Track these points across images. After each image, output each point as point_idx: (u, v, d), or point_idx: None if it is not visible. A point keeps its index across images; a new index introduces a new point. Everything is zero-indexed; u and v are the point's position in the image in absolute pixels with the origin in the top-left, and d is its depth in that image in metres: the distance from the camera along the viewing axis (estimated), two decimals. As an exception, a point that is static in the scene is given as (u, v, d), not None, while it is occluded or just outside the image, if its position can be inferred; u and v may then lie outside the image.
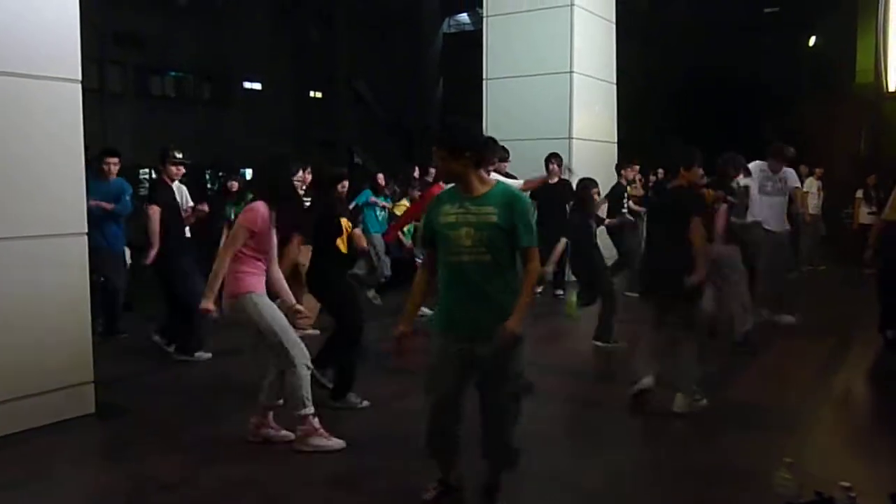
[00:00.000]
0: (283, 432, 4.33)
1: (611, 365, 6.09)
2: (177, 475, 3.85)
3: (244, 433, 4.35)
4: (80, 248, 4.76)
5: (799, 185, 7.64)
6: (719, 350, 6.17)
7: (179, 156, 6.21)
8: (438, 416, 3.23)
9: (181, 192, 6.63)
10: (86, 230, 4.79)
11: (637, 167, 10.65)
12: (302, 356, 4.16)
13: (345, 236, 5.10)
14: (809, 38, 21.82)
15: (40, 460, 4.08)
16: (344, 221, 5.12)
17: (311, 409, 4.18)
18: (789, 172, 7.26)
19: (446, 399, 3.20)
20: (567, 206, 8.30)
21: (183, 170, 6.27)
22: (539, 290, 8.64)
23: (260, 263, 4.21)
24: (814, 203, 12.12)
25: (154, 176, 6.92)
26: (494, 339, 3.02)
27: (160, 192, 6.19)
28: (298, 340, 4.21)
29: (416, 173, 9.98)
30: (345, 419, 4.73)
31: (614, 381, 5.07)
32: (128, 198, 6.87)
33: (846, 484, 3.03)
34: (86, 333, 4.79)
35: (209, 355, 6.17)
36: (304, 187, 7.13)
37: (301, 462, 4.08)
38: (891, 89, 8.40)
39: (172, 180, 6.26)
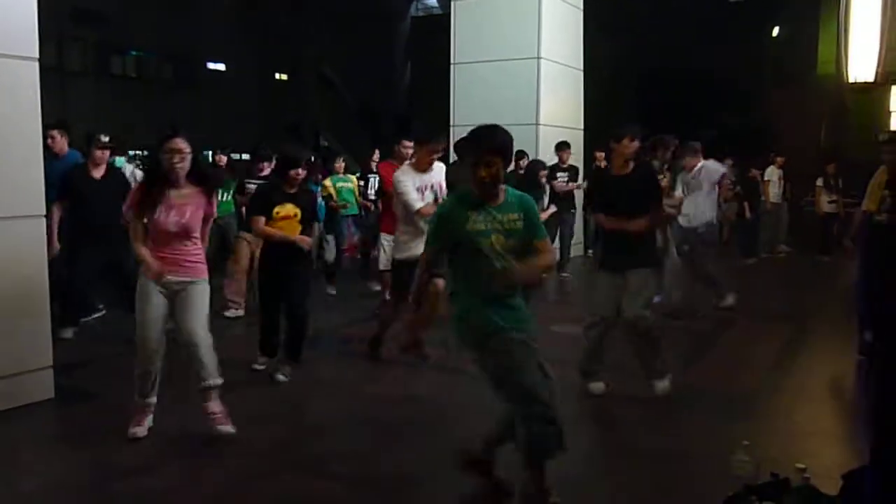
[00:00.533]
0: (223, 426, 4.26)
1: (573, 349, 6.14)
2: (139, 461, 3.81)
3: (208, 416, 4.32)
4: (38, 231, 4.65)
5: (724, 170, 7.81)
6: (678, 334, 6.29)
7: (105, 138, 6.05)
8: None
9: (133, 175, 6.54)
10: (43, 212, 4.68)
11: (603, 154, 10.72)
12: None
13: (286, 223, 5.03)
14: (773, 28, 22.12)
15: (0, 445, 4.00)
16: (285, 208, 5.04)
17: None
18: (708, 165, 7.40)
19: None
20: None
21: (108, 154, 6.12)
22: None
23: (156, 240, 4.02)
24: (775, 192, 12.34)
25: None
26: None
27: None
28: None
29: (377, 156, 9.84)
30: (311, 404, 4.72)
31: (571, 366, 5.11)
32: None
33: (801, 465, 3.11)
34: (44, 317, 4.70)
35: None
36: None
37: (268, 448, 4.06)
38: (851, 80, 8.57)
39: (97, 165, 6.06)
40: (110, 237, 5.85)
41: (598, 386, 4.88)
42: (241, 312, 7.04)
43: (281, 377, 5.10)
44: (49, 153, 6.08)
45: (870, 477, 2.69)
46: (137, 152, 19.58)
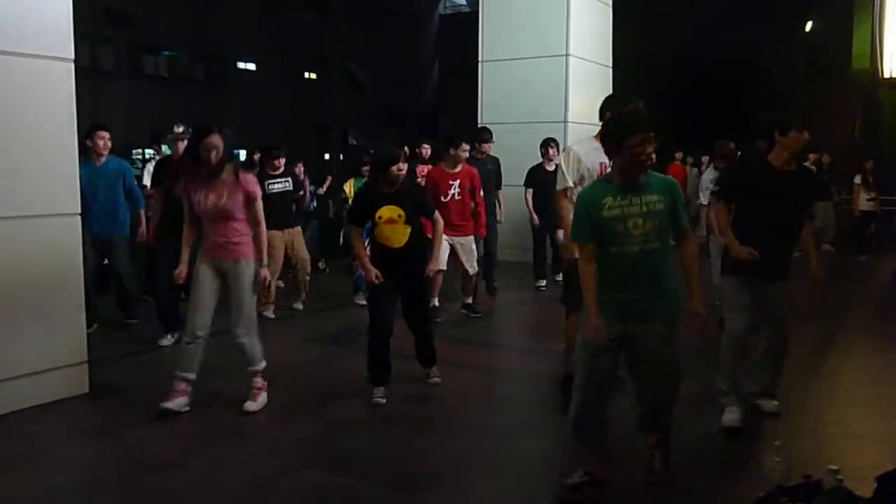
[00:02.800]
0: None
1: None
2: (168, 456, 3.87)
3: (235, 413, 4.40)
4: (73, 228, 4.74)
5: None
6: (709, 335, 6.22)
7: (179, 129, 6.07)
8: (593, 400, 3.30)
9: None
10: (79, 210, 4.76)
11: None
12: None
13: (390, 227, 4.61)
14: (806, 23, 21.77)
15: (35, 440, 4.08)
16: (386, 210, 4.60)
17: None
18: None
19: (604, 383, 3.28)
20: None
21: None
22: (543, 284, 8.63)
23: (206, 226, 4.48)
24: (807, 189, 12.15)
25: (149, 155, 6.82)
26: (668, 322, 3.24)
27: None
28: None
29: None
30: (334, 401, 4.75)
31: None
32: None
33: (834, 467, 3.06)
34: (79, 313, 4.78)
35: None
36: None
37: (292, 443, 4.10)
38: (886, 75, 8.40)
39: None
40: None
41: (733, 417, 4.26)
42: (273, 312, 7.06)
43: (436, 379, 5.02)
44: (90, 155, 6.13)
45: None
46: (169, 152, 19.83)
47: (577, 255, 3.50)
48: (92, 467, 3.90)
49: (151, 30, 22.67)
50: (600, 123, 4.46)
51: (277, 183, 7.02)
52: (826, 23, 20.67)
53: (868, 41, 15.32)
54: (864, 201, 11.74)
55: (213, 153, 4.29)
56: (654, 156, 3.18)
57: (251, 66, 26.94)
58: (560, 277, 8.57)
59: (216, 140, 4.30)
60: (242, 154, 15.54)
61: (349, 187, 7.59)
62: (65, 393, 4.64)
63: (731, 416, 4.23)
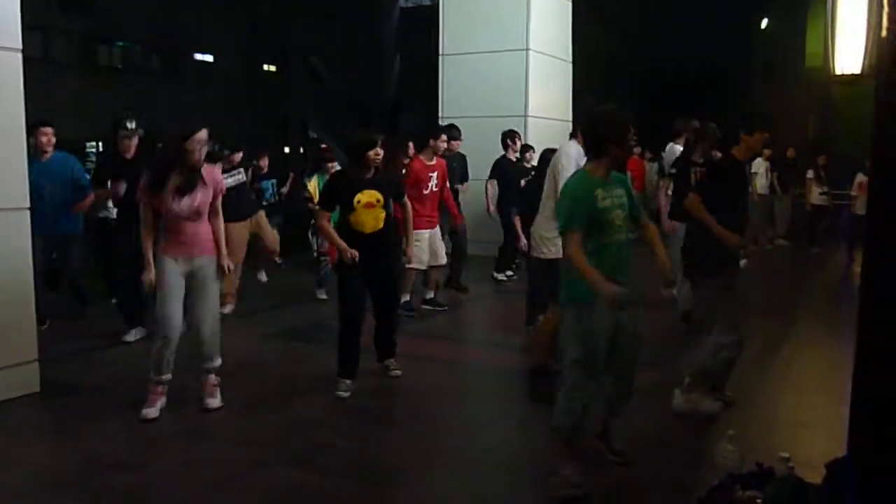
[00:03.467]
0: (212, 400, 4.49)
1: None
2: (125, 455, 3.80)
3: (194, 410, 4.33)
4: (22, 223, 4.61)
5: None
6: (664, 326, 6.32)
7: (131, 126, 6.04)
8: (591, 381, 3.38)
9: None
10: (28, 205, 4.64)
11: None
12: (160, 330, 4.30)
13: (368, 212, 4.61)
14: (761, 20, 22.17)
15: (-18, 440, 3.98)
16: (365, 195, 4.61)
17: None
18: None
19: (601, 364, 3.38)
20: (522, 182, 8.37)
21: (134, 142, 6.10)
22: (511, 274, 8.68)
23: (174, 227, 4.30)
24: (762, 183, 12.39)
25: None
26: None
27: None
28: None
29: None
30: (297, 396, 4.71)
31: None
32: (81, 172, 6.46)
33: (785, 455, 3.12)
34: (29, 310, 4.66)
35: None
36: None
37: (254, 440, 4.06)
38: (838, 72, 8.61)
39: (125, 154, 6.09)
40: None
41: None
42: (231, 309, 6.96)
43: (396, 371, 5.03)
44: (35, 152, 5.86)
45: (847, 464, 2.71)
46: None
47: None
48: (45, 467, 3.80)
49: (106, 20, 22.18)
50: (568, 120, 4.81)
51: (231, 177, 6.93)
52: (781, 21, 21.07)
53: (821, 39, 15.64)
54: (816, 195, 12.01)
55: (200, 151, 4.21)
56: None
57: (209, 58, 26.53)
58: (504, 276, 8.69)
59: (205, 135, 4.21)
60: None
61: (313, 186, 7.46)
62: (14, 392, 4.52)
63: (711, 405, 4.36)
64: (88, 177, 6.58)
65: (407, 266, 6.08)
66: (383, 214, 4.71)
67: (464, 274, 8.07)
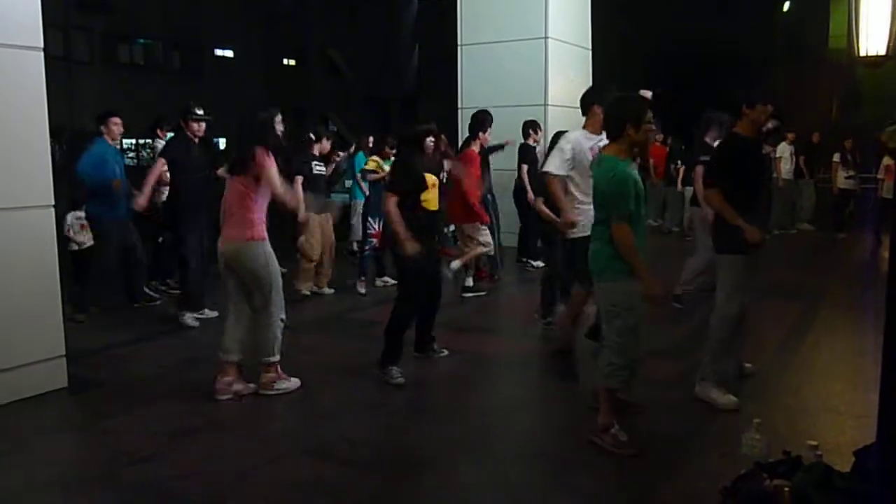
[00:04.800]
0: (251, 384, 4.59)
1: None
2: (150, 448, 3.84)
3: (219, 403, 4.36)
4: (47, 221, 4.66)
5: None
6: (689, 313, 6.26)
7: (201, 112, 6.24)
8: (637, 348, 3.72)
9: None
10: (52, 202, 4.69)
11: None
12: (282, 308, 4.55)
13: (433, 192, 4.95)
14: (784, 2, 21.83)
15: (14, 436, 4.03)
16: (430, 177, 4.95)
17: (278, 358, 4.57)
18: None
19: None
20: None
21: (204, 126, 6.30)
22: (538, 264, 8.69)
23: (264, 209, 4.48)
24: (787, 168, 12.24)
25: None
26: None
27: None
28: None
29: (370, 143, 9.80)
30: (320, 388, 4.74)
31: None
32: None
33: (813, 443, 3.09)
34: (56, 307, 4.72)
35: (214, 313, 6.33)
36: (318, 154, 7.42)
37: (276, 431, 4.10)
38: (862, 53, 8.45)
39: (196, 137, 6.28)
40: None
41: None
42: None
43: (444, 352, 5.34)
44: (111, 137, 6.60)
45: (876, 452, 2.67)
46: (147, 140, 19.57)
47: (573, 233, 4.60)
48: (72, 462, 3.86)
49: (126, 18, 22.35)
50: (582, 109, 5.09)
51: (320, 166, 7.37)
52: (803, 2, 20.75)
53: (845, 20, 15.40)
54: (842, 179, 11.83)
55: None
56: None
57: (229, 54, 26.66)
58: (540, 263, 8.67)
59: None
60: (222, 143, 15.41)
61: (376, 164, 7.81)
62: (43, 388, 4.58)
63: (728, 399, 4.26)
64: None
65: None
66: (437, 195, 5.06)
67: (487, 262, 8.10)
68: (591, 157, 4.72)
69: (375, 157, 7.93)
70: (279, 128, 4.50)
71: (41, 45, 4.56)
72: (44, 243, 4.65)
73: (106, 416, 4.34)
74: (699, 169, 6.23)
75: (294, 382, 4.63)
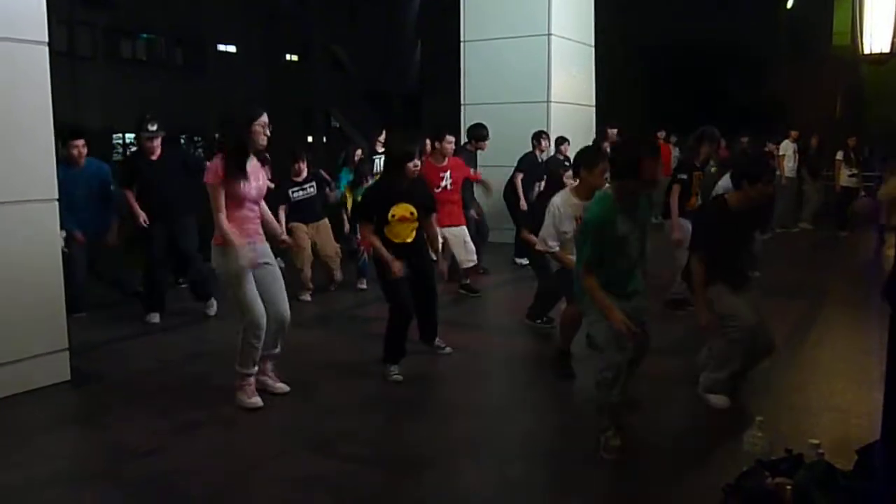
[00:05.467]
0: (279, 384, 4.51)
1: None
2: (152, 443, 3.84)
3: (221, 398, 4.36)
4: (51, 214, 4.67)
5: None
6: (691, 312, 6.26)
7: (152, 128, 6.12)
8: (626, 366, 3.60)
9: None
10: (56, 196, 4.70)
11: (615, 130, 10.67)
12: (254, 321, 4.16)
13: (402, 225, 4.71)
14: (787, 0, 21.78)
15: (16, 429, 4.04)
16: (400, 208, 4.70)
17: (248, 371, 4.27)
18: None
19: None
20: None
21: (157, 143, 6.18)
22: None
23: (240, 213, 4.16)
24: (790, 166, 12.21)
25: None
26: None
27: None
28: (258, 303, 4.20)
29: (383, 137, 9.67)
30: (320, 385, 4.74)
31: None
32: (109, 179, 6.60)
33: (815, 441, 3.09)
34: (59, 299, 4.73)
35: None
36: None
37: (277, 428, 4.09)
38: (866, 51, 8.42)
39: (151, 155, 6.19)
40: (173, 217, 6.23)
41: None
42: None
43: (448, 349, 5.27)
44: (68, 161, 6.09)
45: (880, 450, 2.67)
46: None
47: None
48: (74, 456, 3.87)
49: (129, 13, 22.34)
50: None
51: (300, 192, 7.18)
52: (807, 0, 20.69)
53: (848, 18, 15.36)
54: (845, 177, 11.80)
55: (267, 132, 4.18)
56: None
57: (231, 49, 26.65)
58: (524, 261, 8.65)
59: (266, 119, 4.18)
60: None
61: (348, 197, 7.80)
62: (45, 381, 4.59)
63: (719, 399, 4.25)
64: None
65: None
66: (415, 226, 4.82)
67: (486, 259, 8.09)
68: (574, 227, 4.62)
69: None
70: (263, 132, 4.15)
71: (46, 39, 4.56)
72: (47, 237, 4.66)
73: (108, 411, 4.34)
74: (675, 187, 6.37)
75: (253, 402, 4.25)
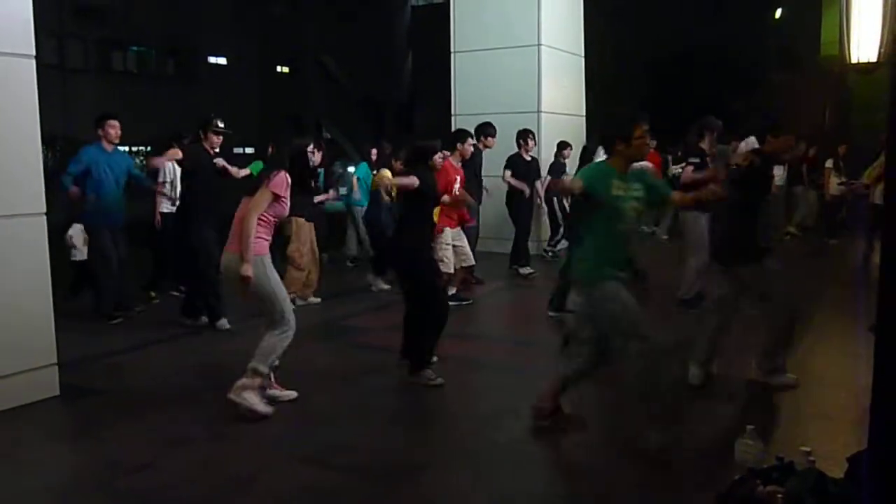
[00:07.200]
0: (287, 392, 4.57)
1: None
2: (144, 457, 3.82)
3: (214, 412, 4.34)
4: (39, 229, 4.64)
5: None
6: (682, 319, 6.27)
7: (222, 125, 6.27)
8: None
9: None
10: (44, 210, 4.67)
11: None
12: (293, 324, 4.38)
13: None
14: (776, 10, 21.95)
15: (4, 445, 4.01)
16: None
17: (267, 371, 4.37)
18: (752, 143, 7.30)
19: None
20: (537, 182, 8.62)
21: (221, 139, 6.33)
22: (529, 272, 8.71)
23: (268, 227, 4.35)
24: (779, 174, 12.24)
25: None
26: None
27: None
28: (291, 308, 4.47)
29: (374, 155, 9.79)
30: (315, 395, 4.72)
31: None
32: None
33: (806, 448, 3.10)
34: (48, 315, 4.70)
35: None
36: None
37: (272, 440, 4.07)
38: (853, 60, 8.48)
39: (213, 149, 6.27)
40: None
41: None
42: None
43: (435, 358, 5.24)
44: (105, 140, 6.55)
45: (866, 459, 2.67)
46: (141, 148, 19.57)
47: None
48: (63, 472, 3.84)
49: (120, 25, 22.35)
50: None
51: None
52: (796, 10, 20.85)
53: (836, 27, 15.49)
54: (835, 186, 11.85)
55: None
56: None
57: (222, 61, 26.66)
58: (529, 269, 8.70)
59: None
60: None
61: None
62: (34, 396, 4.56)
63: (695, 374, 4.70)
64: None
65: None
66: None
67: (479, 269, 8.10)
68: None
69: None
70: (315, 158, 4.59)
71: (33, 52, 4.54)
72: (36, 251, 4.63)
73: (99, 425, 4.31)
74: (689, 168, 6.52)
75: (265, 409, 4.30)
